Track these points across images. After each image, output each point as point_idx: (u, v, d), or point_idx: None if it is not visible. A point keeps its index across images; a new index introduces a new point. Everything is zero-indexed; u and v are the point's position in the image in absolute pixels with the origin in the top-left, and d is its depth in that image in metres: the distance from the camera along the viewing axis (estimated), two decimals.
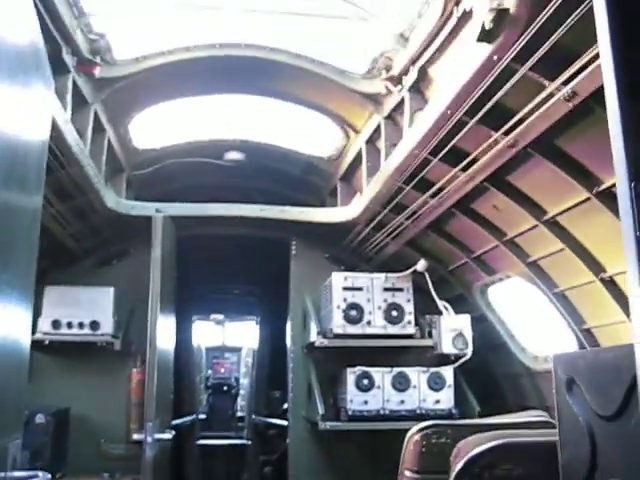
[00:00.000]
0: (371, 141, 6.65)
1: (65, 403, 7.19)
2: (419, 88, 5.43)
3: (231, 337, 16.24)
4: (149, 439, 6.22)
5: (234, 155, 7.80)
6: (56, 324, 7.13)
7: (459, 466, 3.96)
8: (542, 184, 5.00)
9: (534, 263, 5.83)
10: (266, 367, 11.69)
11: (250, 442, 11.79)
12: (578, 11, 3.34)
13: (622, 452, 2.57)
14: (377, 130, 6.37)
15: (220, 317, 15.25)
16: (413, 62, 5.28)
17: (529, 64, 3.86)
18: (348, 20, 5.27)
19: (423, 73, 5.26)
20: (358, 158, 7.02)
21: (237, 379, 15.06)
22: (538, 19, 3.53)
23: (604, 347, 3.46)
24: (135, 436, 6.64)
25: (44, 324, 7.08)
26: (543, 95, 4.02)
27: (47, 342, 7.08)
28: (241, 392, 14.85)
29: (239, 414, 14.49)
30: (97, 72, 5.52)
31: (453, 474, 3.99)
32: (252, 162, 7.88)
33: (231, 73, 6.16)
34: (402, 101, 5.65)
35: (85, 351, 7.33)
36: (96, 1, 5.11)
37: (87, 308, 7.22)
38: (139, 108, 6.61)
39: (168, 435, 6.62)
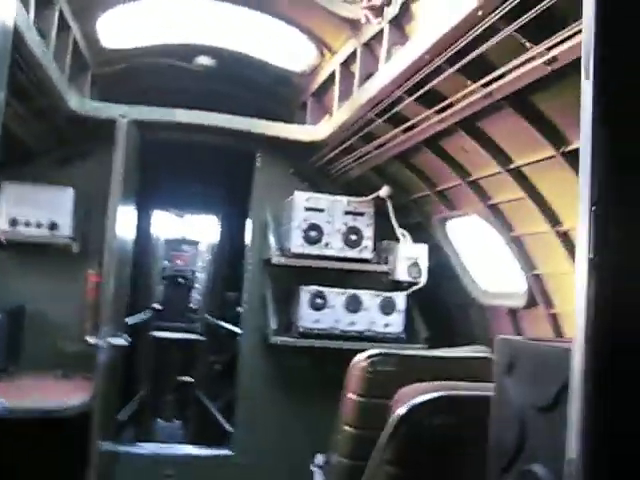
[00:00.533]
0: (346, 64, 6.51)
1: (21, 301, 7.21)
2: (400, 22, 5.27)
3: (191, 230, 16.21)
4: (103, 344, 6.35)
5: (204, 60, 7.57)
6: (13, 222, 7.04)
7: (399, 412, 4.14)
8: (511, 135, 5.00)
9: (494, 205, 5.91)
10: (223, 266, 11.82)
11: (203, 338, 12.05)
12: None
13: (547, 441, 2.73)
14: (353, 55, 6.23)
15: (180, 210, 15.18)
16: None
17: (514, 26, 3.78)
18: None
19: (405, 8, 5.11)
20: (331, 78, 6.89)
21: (193, 272, 15.16)
22: None
23: (546, 340, 3.59)
24: (90, 339, 6.73)
25: (0, 221, 6.98)
26: (525, 57, 3.96)
27: (4, 241, 7.01)
28: (197, 286, 14.99)
29: (193, 306, 14.68)
30: None
31: (392, 419, 4.17)
32: (222, 69, 7.66)
33: None
34: (381, 32, 5.49)
35: (43, 251, 7.30)
36: None
37: (46, 208, 7.12)
38: (106, 5, 6.29)
39: (122, 341, 6.74)
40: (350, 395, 5.20)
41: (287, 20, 6.45)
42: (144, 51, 7.34)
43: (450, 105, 4.95)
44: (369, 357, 5.20)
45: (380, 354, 5.21)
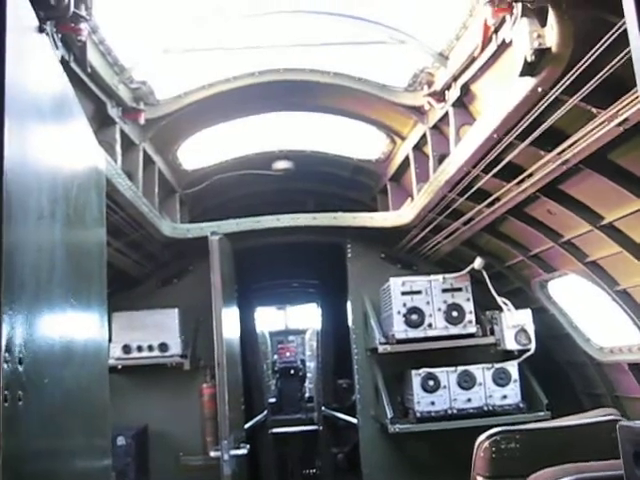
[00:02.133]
0: (418, 147, 6.62)
1: (142, 421, 7.47)
2: (463, 103, 5.36)
3: (293, 320, 16.46)
4: (225, 456, 6.45)
5: (282, 164, 7.85)
6: (126, 349, 7.37)
7: None
8: (596, 193, 4.91)
9: (592, 262, 5.75)
10: (330, 352, 11.83)
11: (321, 429, 12.01)
12: (628, 50, 3.25)
13: None
14: (423, 138, 6.34)
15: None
16: (455, 79, 5.22)
17: (578, 96, 3.78)
18: (386, 45, 5.21)
19: (466, 89, 5.20)
20: (406, 163, 7.00)
21: (303, 361, 15.31)
22: (584, 59, 3.45)
23: None
24: (212, 453, 6.85)
25: (115, 350, 7.32)
26: (595, 122, 3.93)
27: (120, 367, 7.33)
28: (308, 375, 15.10)
29: (307, 395, 14.75)
30: (142, 118, 5.60)
31: None
32: (301, 169, 7.92)
33: (272, 97, 6.19)
34: (446, 115, 5.59)
35: (156, 372, 7.57)
36: (135, 52, 5.15)
37: (154, 331, 7.43)
38: (185, 137, 6.71)
39: (244, 450, 6.83)
40: (478, 477, 5.06)
41: (356, 116, 6.66)
42: (224, 166, 7.70)
43: (529, 175, 4.94)
44: (491, 436, 5.03)
45: (502, 432, 5.05)
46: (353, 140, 7.49)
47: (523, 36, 3.64)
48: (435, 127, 6.05)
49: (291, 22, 5.21)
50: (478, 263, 7.06)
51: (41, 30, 2.57)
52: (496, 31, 4.22)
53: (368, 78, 5.97)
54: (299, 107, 6.60)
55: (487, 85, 4.92)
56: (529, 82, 3.87)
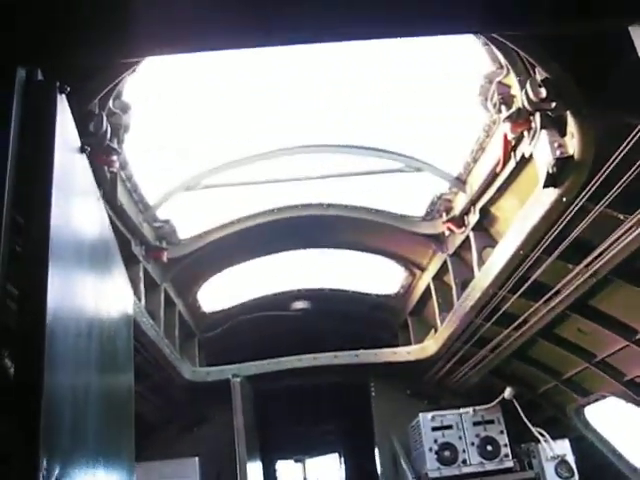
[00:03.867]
0: (438, 277, 6.60)
1: None
2: (483, 226, 5.40)
3: (312, 474, 15.71)
4: None
5: (300, 304, 7.83)
6: None
7: None
8: (629, 305, 4.82)
9: (631, 381, 5.54)
10: None
11: None
12: None
13: None
14: (443, 267, 6.33)
15: (300, 456, 14.82)
16: (473, 203, 5.29)
17: (602, 203, 3.81)
18: (404, 174, 5.34)
19: (485, 212, 5.25)
20: (427, 294, 6.96)
21: None
22: (607, 164, 3.51)
23: None
24: None
25: None
26: (622, 229, 3.93)
27: None
28: None
29: None
30: (165, 257, 5.65)
31: None
32: (319, 308, 7.88)
33: (291, 233, 6.26)
34: (467, 239, 5.61)
35: None
36: (159, 190, 5.28)
37: None
38: (205, 278, 6.74)
39: None
40: None
41: (375, 250, 6.70)
42: (242, 307, 7.68)
43: (557, 292, 4.87)
44: None
45: None
46: (372, 275, 7.50)
47: (544, 147, 3.72)
48: (455, 254, 6.06)
49: (308, 156, 5.36)
50: (508, 393, 6.83)
51: (82, 150, 2.63)
52: (514, 149, 4.31)
53: (386, 209, 6.05)
54: (317, 244, 6.67)
55: (507, 205, 4.98)
56: (553, 193, 3.91)
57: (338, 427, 10.96)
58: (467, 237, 5.60)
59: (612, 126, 3.38)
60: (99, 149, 3.36)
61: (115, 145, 3.62)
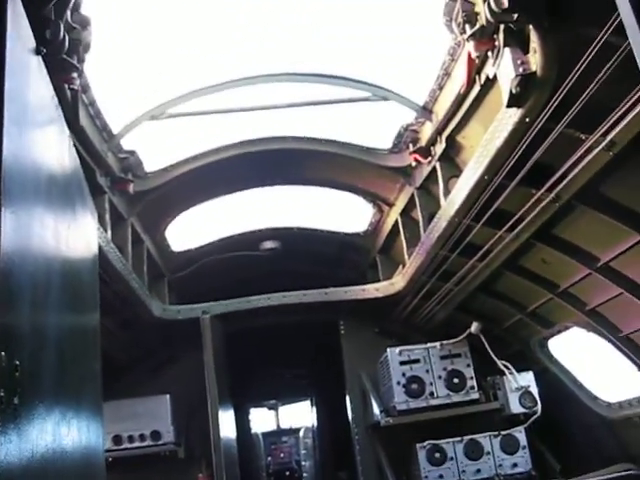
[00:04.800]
0: (406, 212, 6.64)
1: None
2: (449, 156, 5.42)
3: (286, 420, 15.96)
4: None
5: (270, 244, 7.83)
6: (117, 439, 7.04)
7: None
8: (590, 232, 4.90)
9: (593, 310, 5.66)
10: (328, 447, 11.42)
11: None
12: (609, 65, 3.33)
13: None
14: (411, 201, 6.36)
15: (273, 402, 15.03)
16: (439, 132, 5.30)
17: (564, 122, 3.83)
18: (369, 102, 5.32)
19: (452, 141, 5.27)
20: (395, 230, 7.00)
21: (298, 462, 14.73)
22: (568, 79, 3.52)
23: None
24: None
25: (105, 441, 6.95)
26: (583, 149, 3.97)
27: (110, 459, 6.95)
28: (305, 475, 14.49)
29: None
30: (131, 188, 5.59)
31: None
32: (288, 248, 7.89)
33: (259, 168, 6.23)
34: (434, 170, 5.63)
35: (149, 462, 7.18)
36: (123, 119, 5.20)
37: (146, 419, 7.13)
38: (173, 215, 6.69)
39: None
40: None
41: (343, 186, 6.69)
42: (211, 247, 7.66)
43: (520, 220, 4.93)
44: None
45: None
46: (339, 212, 7.52)
47: (507, 65, 3.72)
48: (422, 187, 6.09)
49: (276, 86, 5.31)
50: (475, 327, 6.96)
51: (38, 52, 2.56)
52: (479, 72, 4.31)
53: (353, 142, 6.03)
54: (286, 180, 6.65)
55: (472, 133, 4.99)
56: (516, 113, 3.92)
57: (310, 371, 11.08)
58: (434, 168, 5.62)
59: (574, 40, 3.38)
60: (56, 62, 3.25)
61: (75, 62, 3.53)
